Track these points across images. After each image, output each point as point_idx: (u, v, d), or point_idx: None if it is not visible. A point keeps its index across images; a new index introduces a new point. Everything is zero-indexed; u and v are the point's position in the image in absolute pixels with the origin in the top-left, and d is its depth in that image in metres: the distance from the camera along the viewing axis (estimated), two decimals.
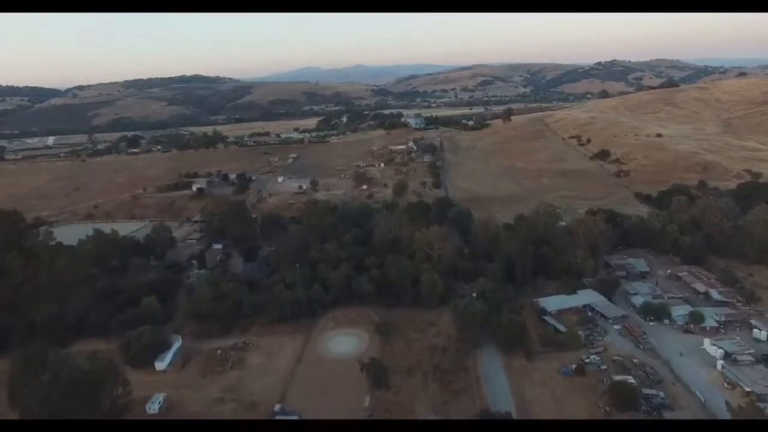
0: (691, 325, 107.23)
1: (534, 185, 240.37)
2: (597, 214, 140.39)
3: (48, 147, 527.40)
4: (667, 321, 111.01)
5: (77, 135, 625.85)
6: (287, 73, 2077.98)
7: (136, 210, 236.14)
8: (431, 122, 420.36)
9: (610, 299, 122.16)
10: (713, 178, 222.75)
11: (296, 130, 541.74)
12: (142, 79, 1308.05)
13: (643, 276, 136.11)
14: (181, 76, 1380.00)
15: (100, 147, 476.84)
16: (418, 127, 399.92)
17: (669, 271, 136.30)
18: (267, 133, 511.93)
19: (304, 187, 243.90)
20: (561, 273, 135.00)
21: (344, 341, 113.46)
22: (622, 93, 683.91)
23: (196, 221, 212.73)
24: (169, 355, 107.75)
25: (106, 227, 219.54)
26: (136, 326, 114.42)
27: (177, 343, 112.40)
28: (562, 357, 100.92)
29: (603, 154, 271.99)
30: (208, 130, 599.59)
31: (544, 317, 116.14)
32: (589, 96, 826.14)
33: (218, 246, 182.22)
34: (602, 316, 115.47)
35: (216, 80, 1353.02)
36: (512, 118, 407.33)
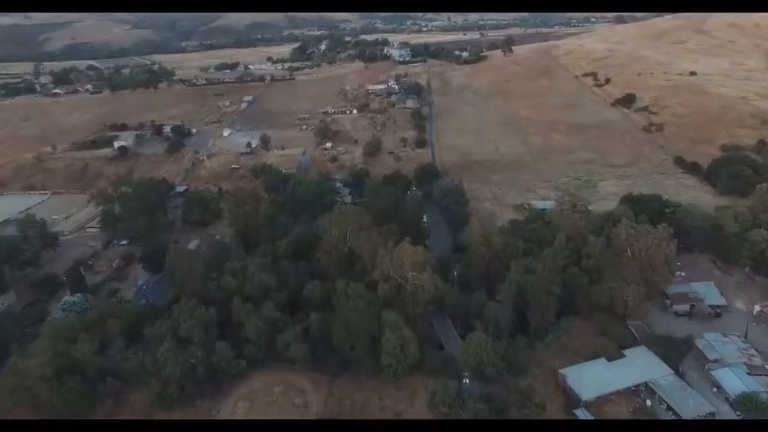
0: None
1: (544, 143, 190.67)
2: (658, 225, 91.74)
3: None
4: None
5: (23, 63, 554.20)
6: None
7: (37, 177, 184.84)
8: (418, 53, 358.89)
9: (677, 370, 78.07)
10: None
11: (270, 59, 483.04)
12: None
13: (717, 314, 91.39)
14: None
15: (44, 81, 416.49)
16: (402, 59, 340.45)
17: (758, 308, 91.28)
18: (235, 64, 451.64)
19: (254, 145, 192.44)
20: (596, 310, 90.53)
21: None
22: (632, 16, 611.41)
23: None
24: None
25: None
26: None
27: None
28: None
29: (627, 100, 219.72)
30: (172, 59, 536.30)
31: (576, 411, 72.26)
32: (593, 20, 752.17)
33: (123, 243, 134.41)
34: (670, 409, 71.58)
35: None
36: (513, 48, 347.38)
